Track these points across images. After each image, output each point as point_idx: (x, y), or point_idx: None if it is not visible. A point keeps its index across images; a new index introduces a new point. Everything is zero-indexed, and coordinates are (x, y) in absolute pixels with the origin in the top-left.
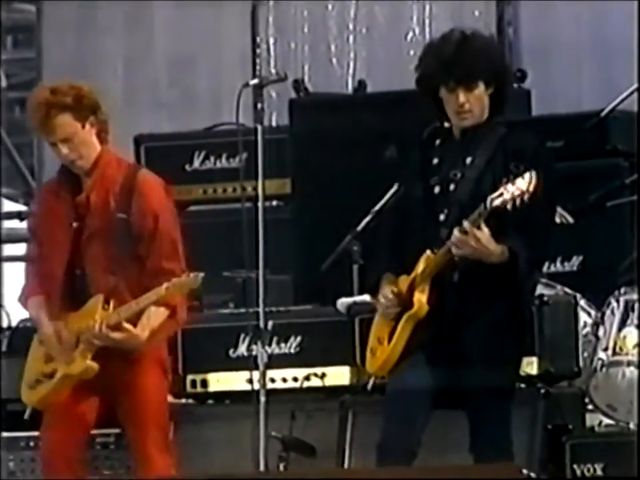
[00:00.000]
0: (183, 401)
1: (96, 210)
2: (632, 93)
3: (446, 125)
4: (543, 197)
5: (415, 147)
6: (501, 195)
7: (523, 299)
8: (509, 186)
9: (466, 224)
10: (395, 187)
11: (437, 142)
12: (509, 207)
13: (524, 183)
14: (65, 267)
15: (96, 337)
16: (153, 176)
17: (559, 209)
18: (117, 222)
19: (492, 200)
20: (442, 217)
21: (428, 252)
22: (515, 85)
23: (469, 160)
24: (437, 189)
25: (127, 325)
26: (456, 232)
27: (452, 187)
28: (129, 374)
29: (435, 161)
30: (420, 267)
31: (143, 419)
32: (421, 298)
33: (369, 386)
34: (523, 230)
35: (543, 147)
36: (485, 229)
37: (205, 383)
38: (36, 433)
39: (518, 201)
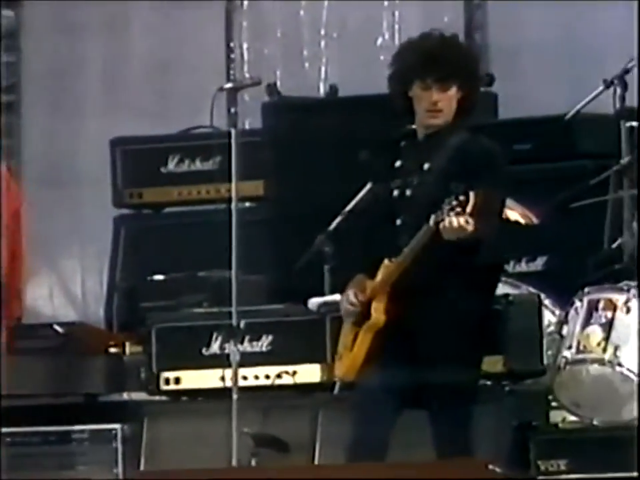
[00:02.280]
0: (157, 397)
1: None
2: (598, 95)
3: (413, 126)
4: (490, 210)
5: (383, 149)
6: (441, 220)
7: (483, 298)
8: (448, 211)
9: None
10: (366, 188)
11: (402, 144)
12: (446, 237)
13: (461, 207)
14: None
15: None
16: None
17: (525, 210)
18: None
19: (435, 222)
20: (398, 222)
21: (386, 261)
22: (482, 89)
23: (426, 166)
24: (395, 193)
25: None
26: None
27: (408, 192)
28: None
29: (398, 163)
30: (379, 275)
31: None
32: (378, 308)
33: (336, 390)
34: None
35: (499, 154)
36: (454, 219)
37: (178, 380)
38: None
39: (459, 224)
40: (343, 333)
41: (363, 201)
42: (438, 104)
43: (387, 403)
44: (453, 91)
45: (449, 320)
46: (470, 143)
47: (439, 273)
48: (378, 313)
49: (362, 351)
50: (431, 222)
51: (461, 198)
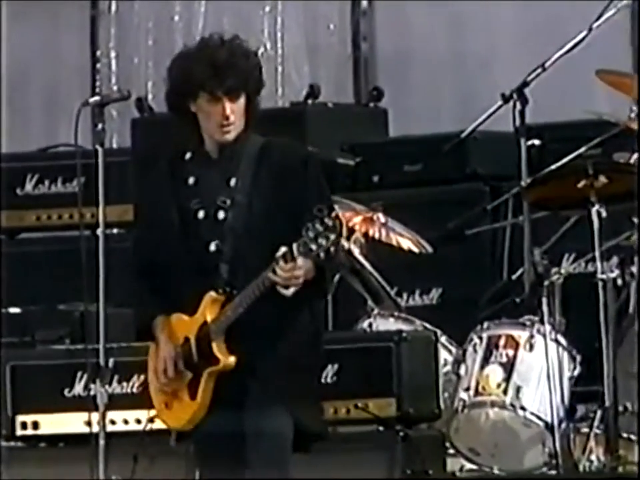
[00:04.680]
0: (12, 444)
1: None
2: (493, 112)
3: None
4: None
5: (155, 165)
6: (305, 244)
7: (318, 332)
8: (316, 239)
9: (282, 264)
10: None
11: (187, 156)
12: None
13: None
14: None
15: None
16: None
17: (417, 237)
18: None
19: (298, 248)
20: (212, 247)
21: (213, 294)
22: (372, 104)
23: (233, 182)
24: (201, 214)
25: None
26: (279, 270)
27: (221, 214)
28: None
29: (191, 180)
30: (208, 311)
31: None
32: (221, 349)
33: (172, 441)
34: None
35: (309, 154)
36: (300, 259)
37: (36, 425)
38: None
39: (328, 249)
40: (155, 378)
41: (164, 223)
42: (230, 117)
43: (235, 446)
44: (242, 101)
45: (291, 358)
46: (272, 146)
47: (278, 310)
48: (224, 355)
49: (207, 398)
50: (295, 252)
51: (329, 222)
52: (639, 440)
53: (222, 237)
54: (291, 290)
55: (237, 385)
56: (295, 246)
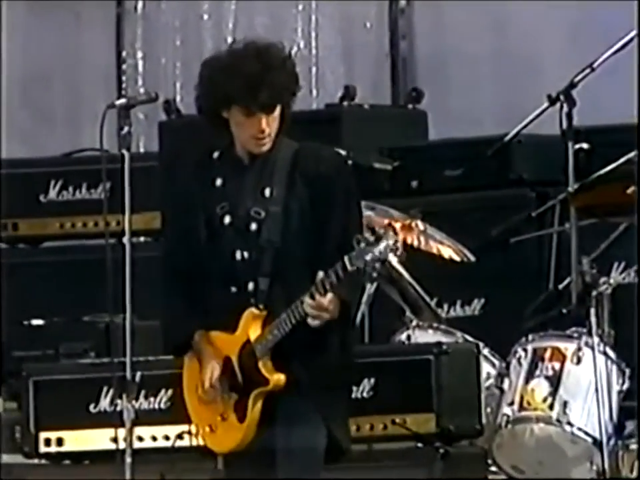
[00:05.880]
0: (36, 461)
1: None
2: (539, 114)
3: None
4: (347, 230)
5: (182, 168)
6: (358, 256)
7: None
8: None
9: (310, 300)
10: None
11: (215, 155)
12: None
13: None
14: None
15: None
16: None
17: (459, 246)
18: None
19: (350, 260)
20: (238, 256)
21: (254, 310)
22: (410, 106)
23: (267, 192)
24: (227, 220)
25: None
26: (308, 304)
27: (254, 226)
28: None
29: (219, 182)
30: (250, 329)
31: None
32: (269, 368)
33: (220, 465)
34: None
35: (341, 161)
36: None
37: (60, 442)
38: None
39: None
40: (201, 404)
41: (169, 231)
42: (266, 130)
43: (267, 463)
44: (277, 112)
45: (327, 373)
46: (304, 151)
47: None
48: (272, 374)
49: (256, 420)
50: (348, 265)
51: (380, 231)
52: (639, 437)
53: (253, 248)
54: (316, 322)
55: (281, 403)
56: (346, 258)
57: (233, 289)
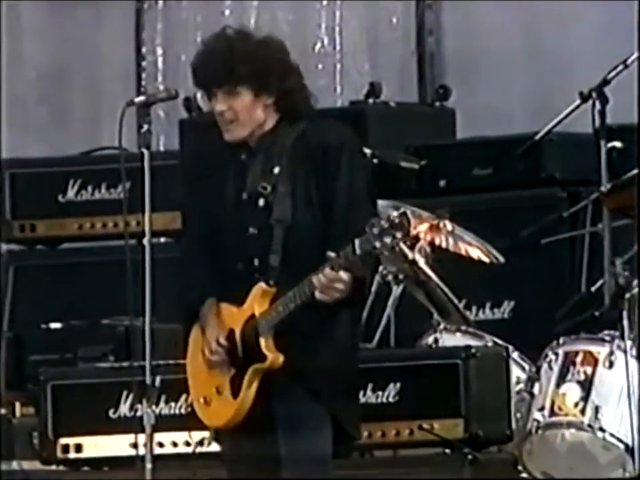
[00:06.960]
0: (54, 467)
1: None
2: (571, 112)
3: None
4: (355, 209)
5: (203, 166)
6: (369, 240)
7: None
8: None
9: (327, 271)
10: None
11: (229, 145)
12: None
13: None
14: None
15: None
16: None
17: (488, 246)
18: None
19: (360, 244)
20: (252, 231)
21: (263, 285)
22: (438, 104)
23: (276, 170)
24: (244, 195)
25: None
26: (322, 277)
27: (261, 201)
28: None
29: (244, 156)
30: (257, 303)
31: None
32: (269, 346)
33: (211, 439)
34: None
35: (352, 142)
36: (343, 274)
37: (79, 448)
38: None
39: (392, 248)
40: (209, 373)
41: (197, 200)
42: (225, 114)
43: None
44: (247, 98)
45: (338, 360)
46: (312, 130)
47: (319, 311)
48: (272, 352)
49: (250, 397)
50: (357, 250)
51: (395, 219)
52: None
53: (264, 225)
54: (325, 297)
55: (284, 403)
56: (357, 242)
57: (240, 265)
